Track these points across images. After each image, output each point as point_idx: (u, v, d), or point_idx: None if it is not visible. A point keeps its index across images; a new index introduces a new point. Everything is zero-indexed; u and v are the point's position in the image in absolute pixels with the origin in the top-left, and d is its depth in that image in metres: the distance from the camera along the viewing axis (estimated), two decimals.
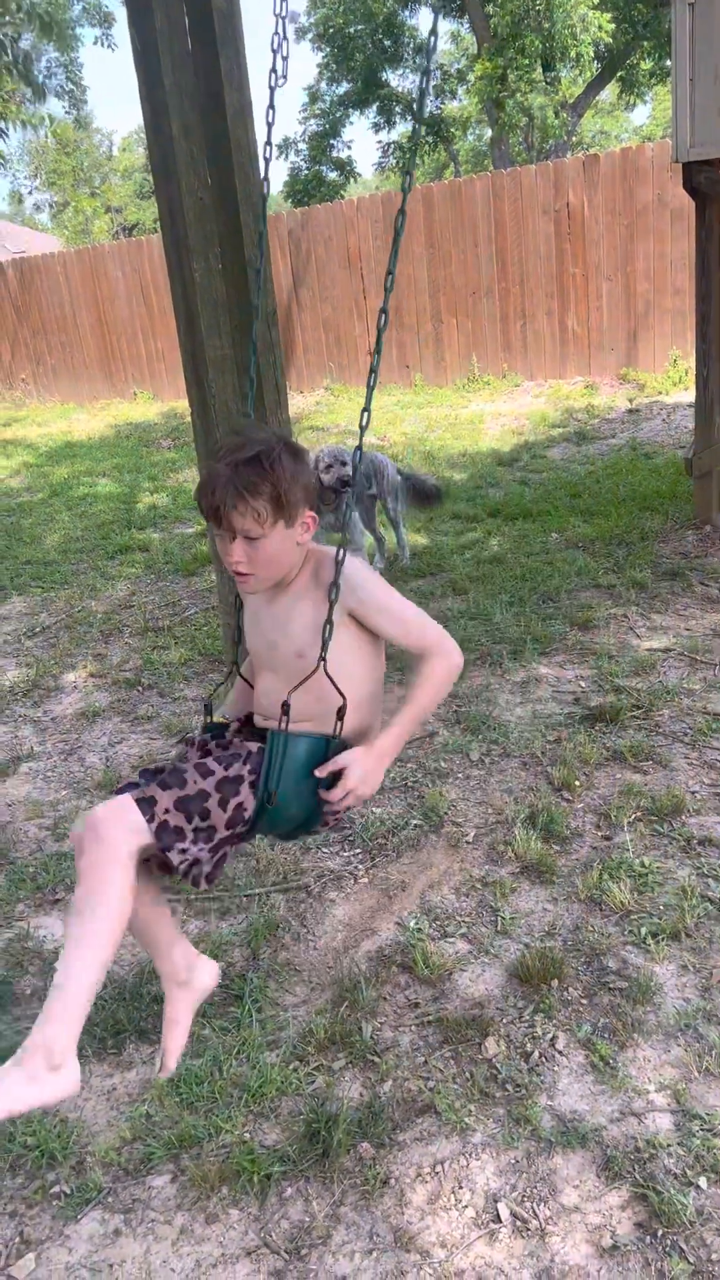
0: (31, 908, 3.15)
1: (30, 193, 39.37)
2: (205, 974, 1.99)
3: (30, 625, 5.79)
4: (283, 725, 1.82)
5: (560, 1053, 2.37)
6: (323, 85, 23.93)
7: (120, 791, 1.82)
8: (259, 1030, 2.50)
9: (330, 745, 1.85)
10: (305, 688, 1.82)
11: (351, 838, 3.33)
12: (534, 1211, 2.00)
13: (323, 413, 12.09)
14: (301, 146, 24.85)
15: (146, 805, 1.74)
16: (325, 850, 3.27)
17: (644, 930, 2.72)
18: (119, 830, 1.71)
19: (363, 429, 1.96)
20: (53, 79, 22.03)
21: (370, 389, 1.94)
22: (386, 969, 2.70)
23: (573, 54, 17.52)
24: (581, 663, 4.45)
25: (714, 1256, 1.87)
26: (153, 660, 5.00)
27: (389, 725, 1.90)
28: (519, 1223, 1.98)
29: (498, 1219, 1.99)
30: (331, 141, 24.56)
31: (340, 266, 12.99)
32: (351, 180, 25.55)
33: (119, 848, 1.70)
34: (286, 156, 24.99)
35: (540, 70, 19.63)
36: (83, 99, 23.93)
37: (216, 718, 2.08)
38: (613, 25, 17.19)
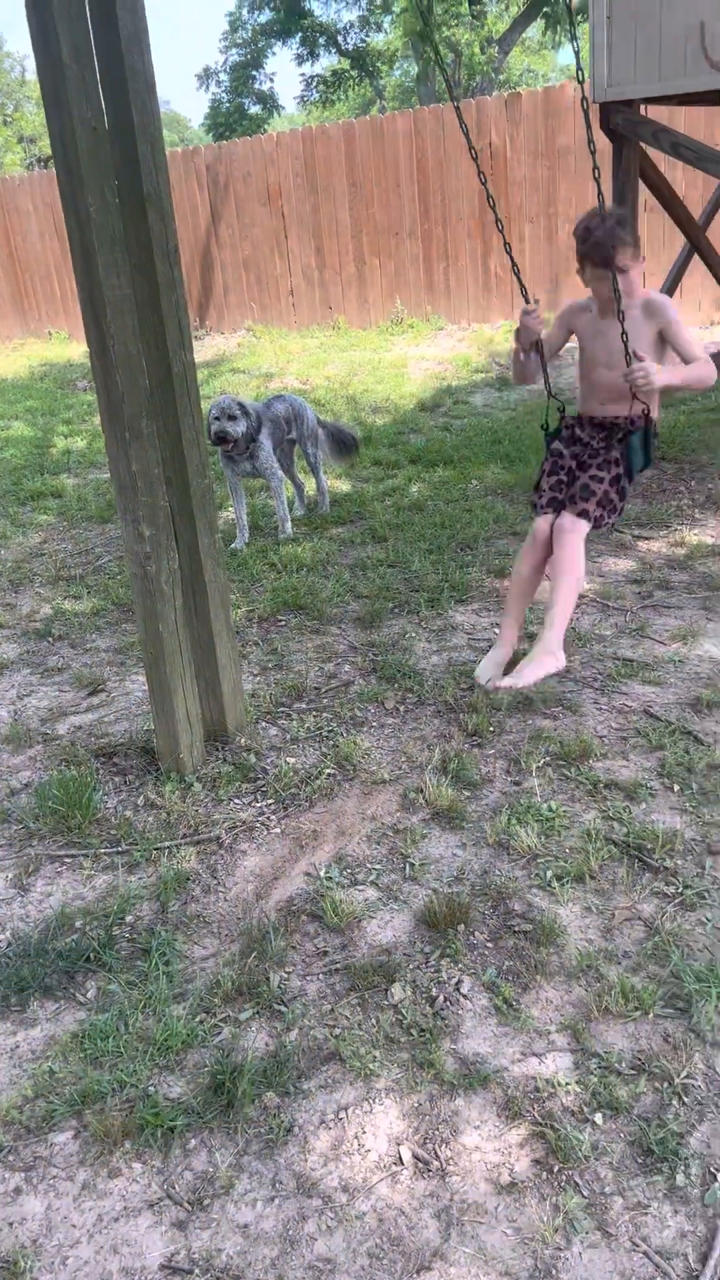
0: None
1: None
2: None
3: None
4: (640, 425, 3.34)
5: (465, 996, 2.40)
6: (244, 13, 23.15)
7: (545, 507, 3.46)
8: (166, 984, 2.49)
9: (647, 431, 3.33)
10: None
11: (264, 788, 3.31)
12: (435, 1153, 2.03)
13: (245, 355, 11.86)
14: (222, 77, 24.07)
15: (585, 516, 3.27)
16: (237, 801, 3.25)
17: (549, 873, 2.76)
18: (578, 534, 3.29)
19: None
20: None
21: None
22: (296, 918, 2.71)
23: None
24: (497, 610, 4.46)
25: (607, 1190, 1.92)
26: (64, 610, 4.89)
27: (669, 369, 3.23)
28: (420, 1164, 2.01)
29: (399, 1162, 2.02)
30: (254, 73, 23.83)
31: (260, 204, 12.68)
32: (275, 114, 24.89)
33: (579, 541, 3.30)
34: (207, 88, 24.22)
35: (466, 4, 19.25)
36: None
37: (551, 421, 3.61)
38: None
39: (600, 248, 3.12)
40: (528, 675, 3.26)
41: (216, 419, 5.29)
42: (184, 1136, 2.10)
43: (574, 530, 3.25)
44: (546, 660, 3.26)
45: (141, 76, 2.81)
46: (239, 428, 5.30)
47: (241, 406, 5.34)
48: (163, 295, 2.98)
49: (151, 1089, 2.20)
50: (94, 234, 2.76)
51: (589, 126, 2.99)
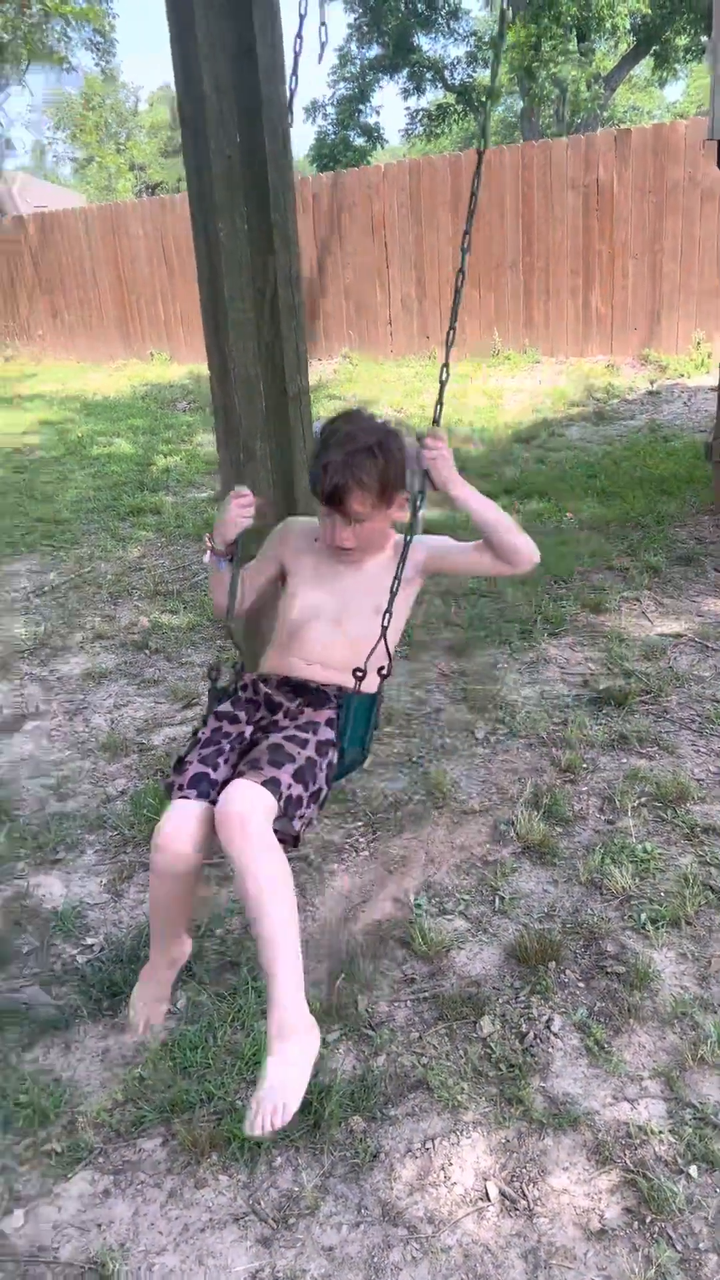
0: (31, 866, 3.14)
1: (51, 144, 38.95)
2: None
3: (39, 584, 5.77)
4: (357, 688, 2.06)
5: (555, 1035, 2.36)
6: (353, 47, 23.50)
7: (187, 788, 1.94)
8: (255, 999, 2.50)
9: (375, 699, 2.10)
10: (368, 644, 2.05)
11: (354, 810, 3.32)
12: (523, 1192, 2.00)
13: (341, 381, 11.99)
14: (329, 110, 24.45)
15: (273, 788, 1.84)
16: (327, 821, 3.27)
17: (644, 916, 2.71)
18: (261, 812, 1.81)
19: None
20: (83, 29, 21.67)
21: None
22: (384, 943, 2.70)
23: (608, 25, 17.23)
24: (592, 645, 4.42)
25: (701, 1245, 1.87)
26: (161, 624, 4.98)
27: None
28: (507, 1202, 1.98)
29: (486, 1197, 1.99)
30: (360, 106, 24.17)
31: (364, 234, 12.84)
32: (378, 147, 25.19)
33: (268, 827, 1.82)
34: (313, 120, 24.62)
35: (574, 41, 19.30)
36: (111, 50, 23.55)
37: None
38: None
39: (334, 489, 2.09)
40: (293, 1088, 1.79)
41: None
42: (270, 1154, 2.10)
43: (254, 808, 1.81)
44: (303, 1042, 1.85)
45: (275, 106, 2.88)
46: None
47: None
48: (283, 320, 3.04)
49: (239, 1103, 2.21)
50: (222, 259, 2.83)
51: (477, 176, 2.03)
